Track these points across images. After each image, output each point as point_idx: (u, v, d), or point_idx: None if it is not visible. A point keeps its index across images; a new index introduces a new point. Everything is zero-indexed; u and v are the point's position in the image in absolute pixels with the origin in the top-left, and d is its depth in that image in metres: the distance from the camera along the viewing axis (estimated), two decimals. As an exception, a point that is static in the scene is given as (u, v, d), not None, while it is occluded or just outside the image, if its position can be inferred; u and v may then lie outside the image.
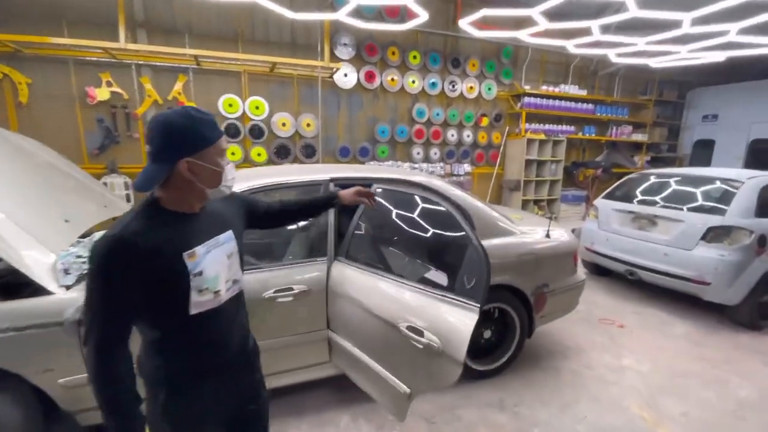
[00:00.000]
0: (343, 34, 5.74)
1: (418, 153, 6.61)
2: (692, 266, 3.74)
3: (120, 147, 5.04)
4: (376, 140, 6.29)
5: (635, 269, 4.21)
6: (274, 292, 2.04)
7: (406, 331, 1.67)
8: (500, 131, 7.25)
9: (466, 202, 2.68)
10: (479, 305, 1.57)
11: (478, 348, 2.74)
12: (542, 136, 7.04)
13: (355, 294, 1.98)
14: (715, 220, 3.67)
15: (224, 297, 1.11)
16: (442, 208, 1.92)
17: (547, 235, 2.91)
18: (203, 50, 4.90)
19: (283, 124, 5.65)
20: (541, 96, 7.14)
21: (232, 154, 5.46)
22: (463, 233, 1.80)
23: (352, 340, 2.03)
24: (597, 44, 6.23)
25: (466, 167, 7.07)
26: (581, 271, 3.21)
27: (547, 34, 4.91)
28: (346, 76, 5.87)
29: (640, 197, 4.47)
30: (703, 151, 9.18)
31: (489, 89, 6.92)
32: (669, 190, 4.29)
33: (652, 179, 4.59)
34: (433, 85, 6.45)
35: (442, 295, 1.70)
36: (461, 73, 6.67)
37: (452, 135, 6.79)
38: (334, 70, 5.44)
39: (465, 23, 4.57)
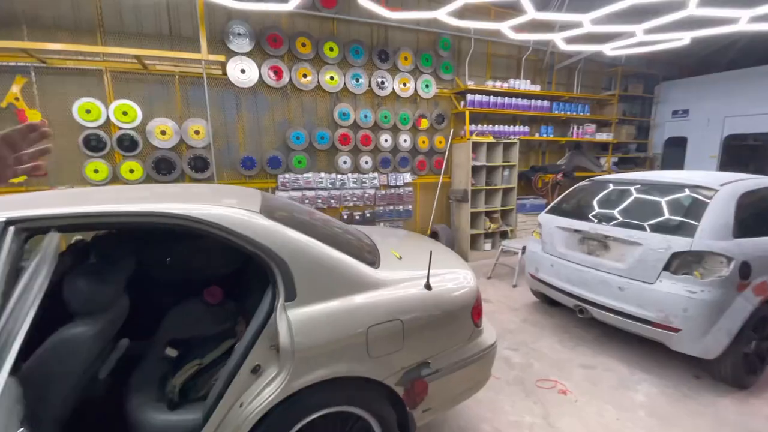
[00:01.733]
0: (237, 22, 4.73)
1: (345, 162, 5.61)
2: (654, 305, 2.78)
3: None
4: (290, 148, 5.27)
5: (585, 305, 3.24)
6: None
7: None
8: (444, 134, 6.31)
9: (287, 239, 1.66)
10: None
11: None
12: (490, 139, 6.12)
13: None
14: (681, 243, 2.72)
15: None
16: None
17: (427, 286, 1.90)
18: (45, 43, 3.84)
19: (163, 132, 4.58)
20: (487, 93, 6.23)
21: (95, 171, 4.37)
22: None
23: None
24: (537, 27, 5.37)
25: (406, 177, 6.09)
26: (489, 333, 2.21)
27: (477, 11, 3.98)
28: (244, 73, 4.85)
29: (591, 212, 3.52)
30: (676, 150, 8.41)
31: (427, 86, 5.98)
32: (627, 202, 3.35)
33: (609, 188, 3.66)
34: (358, 81, 5.48)
35: None
36: (392, 68, 5.72)
37: (386, 140, 5.81)
38: (224, 64, 4.42)
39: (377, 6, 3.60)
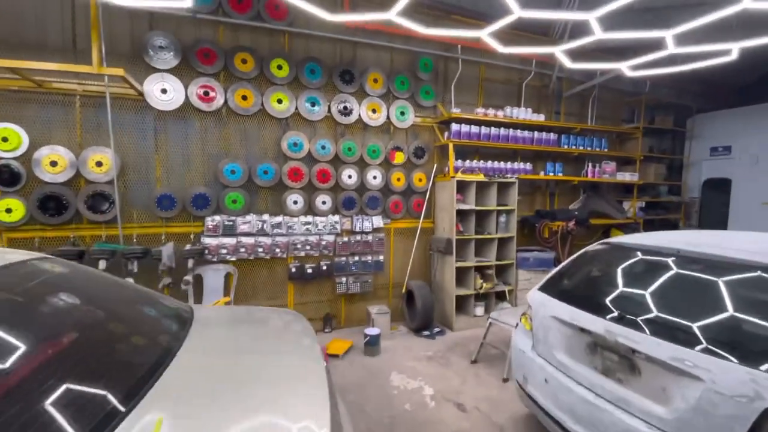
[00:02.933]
0: (158, 33, 3.89)
1: (296, 202, 4.53)
2: None
3: None
4: (223, 184, 4.25)
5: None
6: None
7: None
8: (425, 171, 5.19)
9: None
10: None
11: None
12: (480, 177, 4.95)
13: None
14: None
15: None
16: None
17: None
18: None
19: (53, 164, 3.65)
20: (478, 123, 5.14)
21: (-42, 209, 3.43)
22: None
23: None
24: (536, 41, 4.35)
25: (377, 221, 4.94)
26: None
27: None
28: (166, 93, 3.95)
29: (607, 296, 2.26)
30: (717, 194, 6.99)
31: (402, 114, 4.95)
32: (665, 283, 2.08)
33: (635, 257, 2.40)
34: (314, 106, 4.50)
35: None
36: (358, 92, 4.75)
37: (350, 176, 4.74)
38: (127, 81, 3.53)
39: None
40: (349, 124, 4.76)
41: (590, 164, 6.10)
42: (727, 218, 6.71)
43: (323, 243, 4.69)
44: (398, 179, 5.01)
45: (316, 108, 4.53)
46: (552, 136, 5.60)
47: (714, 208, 7.02)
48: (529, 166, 5.58)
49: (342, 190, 4.77)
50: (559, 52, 3.77)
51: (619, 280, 2.27)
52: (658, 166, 6.61)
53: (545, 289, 2.56)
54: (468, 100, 5.46)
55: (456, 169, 5.03)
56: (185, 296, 4.09)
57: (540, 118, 5.48)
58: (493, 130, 5.23)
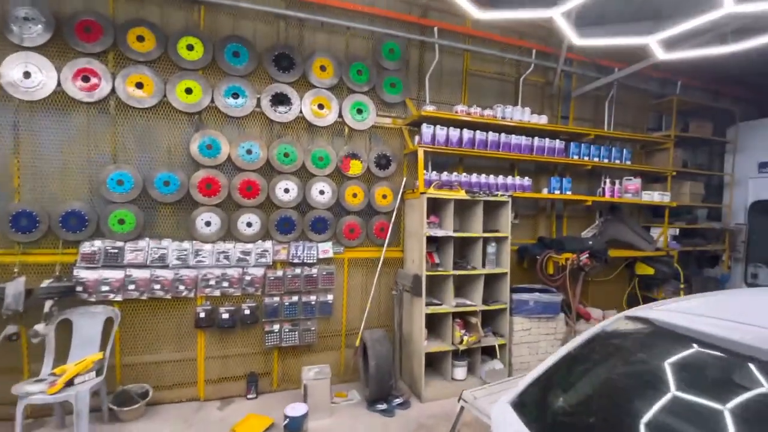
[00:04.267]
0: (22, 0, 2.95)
1: (209, 223, 3.43)
2: None
3: None
4: (106, 199, 3.19)
5: None
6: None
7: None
8: (392, 185, 4.05)
9: None
10: None
11: None
12: (460, 194, 3.77)
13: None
14: None
15: None
16: None
17: None
18: None
19: None
20: (458, 124, 3.99)
21: None
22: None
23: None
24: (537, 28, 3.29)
25: (326, 248, 3.79)
26: None
27: None
28: (30, 78, 2.96)
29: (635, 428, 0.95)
30: (766, 222, 5.60)
31: (359, 112, 3.86)
32: (744, 405, 0.80)
33: (685, 348, 1.14)
34: (237, 98, 3.46)
35: None
36: (299, 82, 3.70)
37: (287, 190, 3.63)
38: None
39: None
40: (287, 123, 3.68)
41: (608, 180, 4.85)
42: (787, 251, 5.30)
43: (248, 278, 3.55)
44: (354, 195, 3.87)
45: (241, 101, 3.48)
46: (558, 144, 4.40)
47: (765, 237, 5.62)
48: (527, 181, 4.36)
49: (276, 209, 3.65)
50: (559, 16, 2.64)
51: (658, 387, 1.04)
52: (694, 185, 5.29)
53: (520, 407, 1.32)
54: (449, 98, 4.34)
55: (428, 184, 3.86)
56: (38, 352, 2.97)
57: (542, 120, 4.30)
58: (480, 135, 4.07)
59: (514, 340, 4.06)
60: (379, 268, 3.96)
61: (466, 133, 4.00)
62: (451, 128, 3.93)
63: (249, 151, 3.50)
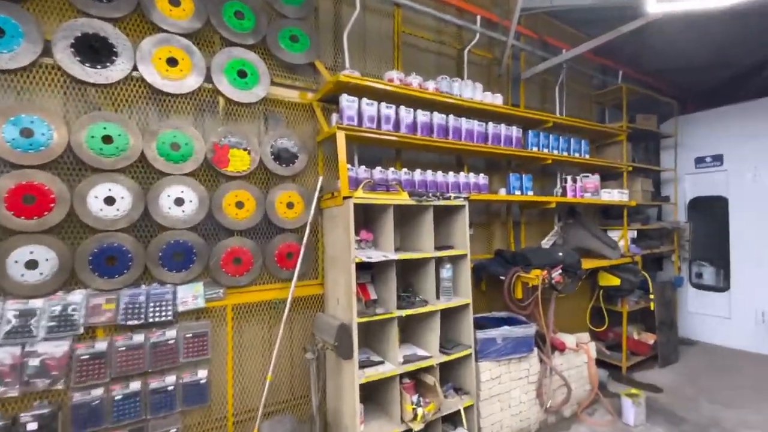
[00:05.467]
0: None
1: (-63, 269, 1.75)
2: None
3: None
4: None
5: None
6: None
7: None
8: (301, 189, 2.71)
9: None
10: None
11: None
12: (402, 198, 2.58)
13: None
14: None
15: None
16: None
17: None
18: None
19: None
20: (394, 98, 2.83)
21: None
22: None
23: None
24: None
25: (190, 294, 2.30)
26: None
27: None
28: None
29: None
30: (706, 219, 5.42)
31: (243, 76, 2.49)
32: None
33: None
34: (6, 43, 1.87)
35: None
36: (132, 20, 2.22)
37: (110, 200, 2.08)
38: None
39: None
40: (111, 87, 2.17)
41: (566, 178, 4.09)
42: (728, 249, 5.09)
43: (33, 364, 1.91)
44: (240, 204, 2.46)
45: (8, 44, 1.90)
46: (516, 132, 3.48)
47: (708, 237, 5.42)
48: (483, 179, 3.35)
49: (91, 232, 2.08)
50: None
51: None
52: (645, 182, 4.85)
53: None
54: (376, 69, 3.18)
55: (355, 184, 2.61)
56: None
57: (497, 100, 3.35)
58: (423, 117, 2.94)
59: (482, 395, 2.94)
60: (285, 315, 2.55)
61: (405, 113, 2.85)
62: (384, 104, 2.74)
63: (26, 132, 1.91)
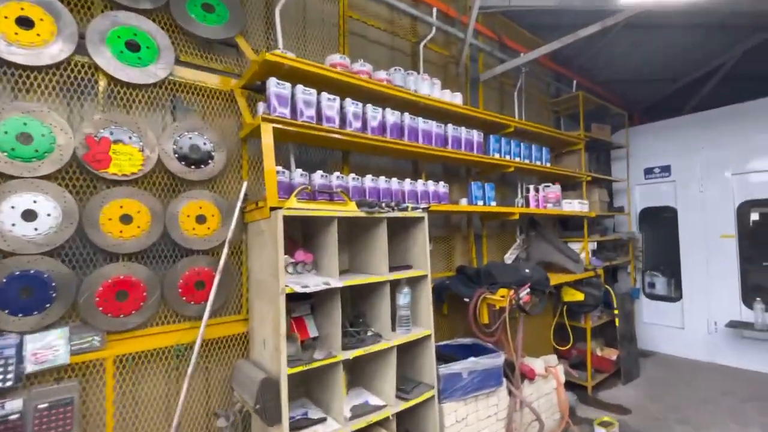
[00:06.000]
0: None
1: None
2: None
3: None
4: None
5: None
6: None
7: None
8: (218, 198, 2.12)
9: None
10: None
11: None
12: (349, 209, 2.08)
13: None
14: None
15: None
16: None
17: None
18: None
19: None
20: (338, 87, 2.34)
21: None
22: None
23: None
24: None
25: (48, 346, 1.61)
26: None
27: None
28: None
29: None
30: (657, 229, 5.48)
31: (135, 49, 1.89)
32: None
33: None
34: None
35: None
36: (-45, -47, 1.57)
37: None
38: None
39: None
40: None
41: (528, 187, 3.83)
42: (679, 258, 5.13)
43: None
44: (126, 219, 1.82)
45: None
46: (476, 135, 3.13)
47: (659, 247, 5.47)
48: (443, 187, 2.94)
49: None
50: None
51: None
52: (601, 192, 4.76)
53: None
54: (317, 57, 2.69)
55: (288, 190, 2.07)
56: None
57: (456, 99, 2.99)
58: (372, 112, 2.48)
59: (447, 444, 2.46)
60: (191, 368, 1.91)
61: (352, 107, 2.37)
62: (326, 95, 2.24)
63: None
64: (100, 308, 1.77)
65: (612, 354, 4.46)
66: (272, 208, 1.83)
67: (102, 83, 1.85)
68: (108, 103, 1.87)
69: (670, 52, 4.69)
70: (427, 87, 2.76)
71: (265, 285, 1.94)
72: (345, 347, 2.00)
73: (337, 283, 1.93)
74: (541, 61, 4.44)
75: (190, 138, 2.01)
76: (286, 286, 1.75)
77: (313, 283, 1.86)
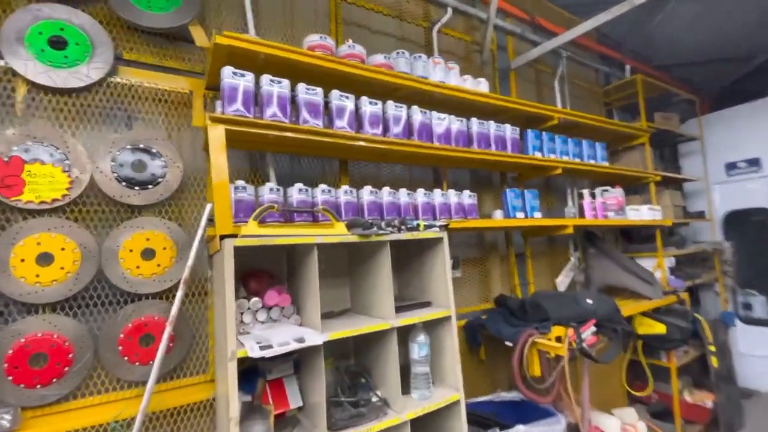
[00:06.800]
0: None
1: None
2: None
3: None
4: None
5: None
6: None
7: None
8: (174, 230, 1.67)
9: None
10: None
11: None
12: (337, 232, 1.55)
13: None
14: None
15: None
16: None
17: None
18: None
19: None
20: (317, 77, 1.85)
21: None
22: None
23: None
24: None
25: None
26: None
27: None
28: None
29: None
30: (746, 239, 4.43)
31: (61, 47, 1.51)
32: None
33: None
34: None
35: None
36: None
37: None
38: None
39: None
40: None
41: (580, 192, 3.10)
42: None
43: None
44: (45, 259, 1.40)
45: None
46: (510, 131, 2.51)
47: (750, 257, 4.41)
48: (469, 198, 2.33)
49: None
50: None
51: None
52: (673, 195, 3.88)
53: None
54: (301, 32, 2.23)
55: (249, 211, 1.57)
56: None
57: (481, 86, 2.41)
58: (372, 107, 1.96)
59: None
60: (134, 451, 1.43)
61: (338, 101, 1.86)
62: (303, 86, 1.75)
63: None
64: (10, 377, 1.34)
65: (706, 398, 3.49)
66: (222, 237, 1.34)
67: (21, 90, 1.49)
68: (28, 114, 1.50)
69: (742, 24, 3.81)
70: (441, 72, 2.21)
71: (218, 344, 1.44)
72: (333, 427, 1.43)
73: (315, 338, 1.37)
74: (586, 44, 3.75)
75: (133, 154, 1.59)
76: (235, 350, 1.23)
77: (279, 339, 1.33)
